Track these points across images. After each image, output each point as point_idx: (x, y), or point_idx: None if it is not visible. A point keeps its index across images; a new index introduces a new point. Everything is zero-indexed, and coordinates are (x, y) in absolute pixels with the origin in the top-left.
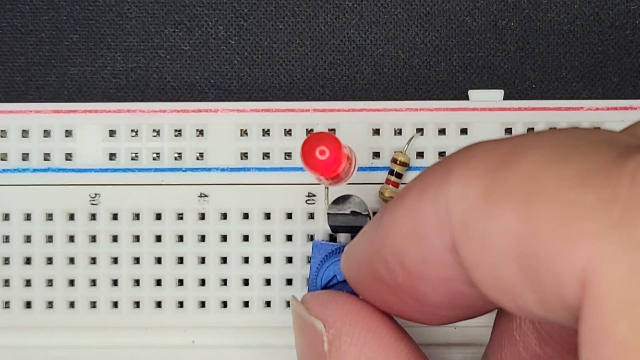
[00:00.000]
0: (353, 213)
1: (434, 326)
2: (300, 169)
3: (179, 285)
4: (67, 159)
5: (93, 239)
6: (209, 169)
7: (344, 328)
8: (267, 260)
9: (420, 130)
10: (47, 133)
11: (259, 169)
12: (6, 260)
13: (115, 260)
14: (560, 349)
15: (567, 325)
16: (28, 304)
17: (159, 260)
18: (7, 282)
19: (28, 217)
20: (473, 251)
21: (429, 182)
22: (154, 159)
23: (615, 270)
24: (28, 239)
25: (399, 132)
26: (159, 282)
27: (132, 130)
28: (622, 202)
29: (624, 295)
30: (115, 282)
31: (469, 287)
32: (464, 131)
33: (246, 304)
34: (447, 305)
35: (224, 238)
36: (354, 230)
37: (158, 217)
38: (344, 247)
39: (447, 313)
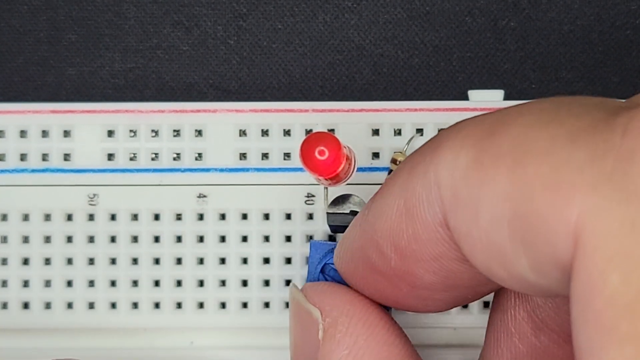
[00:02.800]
0: (352, 213)
1: (430, 313)
2: (300, 169)
3: (177, 286)
4: (65, 159)
5: (91, 239)
6: (208, 170)
7: (340, 318)
8: (266, 260)
9: (420, 131)
10: (45, 133)
11: (258, 170)
12: (4, 261)
13: (113, 261)
14: (556, 337)
15: (560, 291)
16: (26, 305)
17: (157, 261)
18: (4, 283)
19: (26, 217)
20: (464, 220)
21: (418, 160)
22: (152, 159)
23: (608, 223)
24: (26, 239)
25: (398, 132)
26: (157, 283)
27: (131, 131)
28: (614, 155)
29: (616, 248)
30: (113, 283)
31: (462, 264)
32: None
33: (245, 304)
34: (441, 287)
35: (223, 239)
36: None
37: (156, 217)
38: None
39: (441, 296)
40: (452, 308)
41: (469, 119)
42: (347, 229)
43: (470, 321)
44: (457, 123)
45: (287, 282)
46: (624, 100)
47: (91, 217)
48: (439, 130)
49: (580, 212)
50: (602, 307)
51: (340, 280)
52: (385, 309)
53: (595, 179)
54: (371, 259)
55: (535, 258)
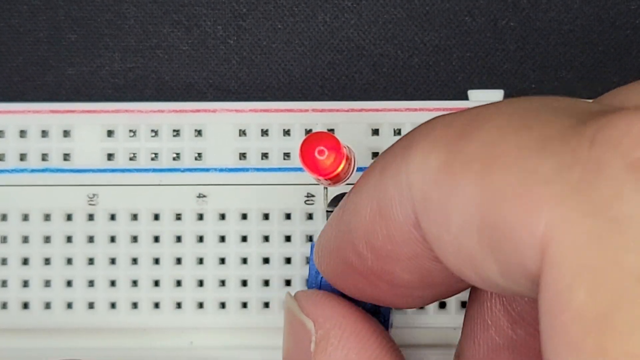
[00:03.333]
0: None
1: (411, 308)
2: (299, 169)
3: (177, 286)
4: (65, 159)
5: (91, 239)
6: (208, 169)
7: (333, 331)
8: (266, 260)
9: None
10: (44, 133)
11: (258, 169)
12: (4, 261)
13: (113, 261)
14: (533, 330)
15: (532, 296)
16: (26, 305)
17: (157, 261)
18: (4, 283)
19: (26, 217)
20: (434, 224)
21: (389, 159)
22: (152, 159)
23: (574, 236)
24: (26, 239)
25: (398, 132)
26: (157, 283)
27: (130, 131)
28: (581, 167)
29: (583, 262)
30: (113, 283)
31: (437, 263)
32: None
33: (244, 304)
34: (418, 285)
35: (223, 238)
36: None
37: (156, 217)
38: None
39: (420, 293)
40: (431, 303)
41: (441, 116)
42: (324, 227)
43: None
44: (429, 120)
45: (287, 282)
46: (592, 102)
47: (91, 217)
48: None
49: (547, 224)
50: (569, 322)
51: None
52: (386, 311)
53: (562, 191)
54: (348, 258)
55: (504, 265)
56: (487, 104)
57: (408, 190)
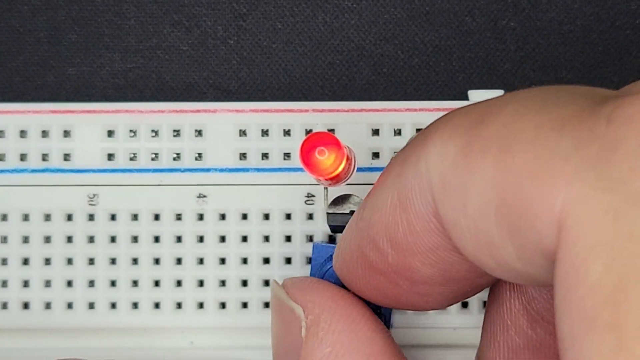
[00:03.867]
0: (352, 213)
1: (432, 310)
2: (300, 169)
3: (177, 286)
4: (65, 160)
5: (91, 239)
6: (208, 170)
7: (323, 315)
8: (266, 261)
9: (420, 131)
10: (45, 133)
11: (258, 170)
12: (4, 261)
13: (113, 261)
14: (552, 329)
15: (548, 278)
16: (26, 305)
17: (157, 261)
18: (4, 283)
19: (26, 217)
20: (452, 209)
21: (409, 152)
22: (152, 159)
23: (591, 211)
24: (26, 239)
25: (398, 132)
26: (157, 283)
27: (131, 131)
28: (599, 143)
29: (600, 235)
30: (113, 283)
31: (457, 255)
32: None
33: (245, 304)
34: (439, 280)
35: (223, 239)
36: None
37: (156, 217)
38: None
39: (440, 290)
40: (452, 304)
41: (458, 109)
42: (344, 230)
43: (470, 321)
44: (446, 114)
45: None
46: (613, 90)
47: (91, 217)
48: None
49: (565, 199)
50: (584, 296)
51: (342, 286)
52: (387, 311)
53: (580, 167)
54: (369, 257)
55: (521, 246)
56: (504, 94)
57: (428, 178)
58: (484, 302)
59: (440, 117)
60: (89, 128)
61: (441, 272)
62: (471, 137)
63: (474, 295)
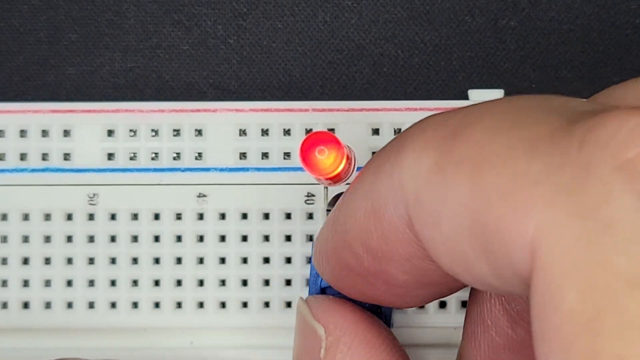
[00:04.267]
0: None
1: (410, 308)
2: (300, 168)
3: (177, 285)
4: (65, 159)
5: (91, 239)
6: (208, 169)
7: (343, 338)
8: (266, 260)
9: (398, 132)
10: (45, 133)
11: (258, 169)
12: (4, 261)
13: (113, 261)
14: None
15: (526, 295)
16: (26, 305)
17: (157, 261)
18: (5, 283)
19: (26, 217)
20: (427, 224)
21: (383, 160)
22: (152, 158)
23: (563, 238)
24: (26, 239)
25: (398, 132)
26: (157, 283)
27: (131, 130)
28: (570, 168)
29: (572, 264)
30: (113, 283)
31: (432, 263)
32: None
33: (245, 304)
34: (415, 285)
35: (223, 238)
36: None
37: (156, 217)
38: None
39: (418, 293)
40: (430, 302)
41: (433, 116)
42: (321, 229)
43: None
44: (421, 120)
45: (288, 282)
46: (587, 100)
47: (91, 217)
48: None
49: (537, 226)
50: (560, 325)
51: None
52: (387, 311)
53: (551, 193)
54: (345, 259)
55: (495, 267)
56: (479, 103)
57: (401, 192)
58: None
59: (414, 125)
60: (89, 128)
61: (417, 277)
62: (443, 153)
63: (452, 294)
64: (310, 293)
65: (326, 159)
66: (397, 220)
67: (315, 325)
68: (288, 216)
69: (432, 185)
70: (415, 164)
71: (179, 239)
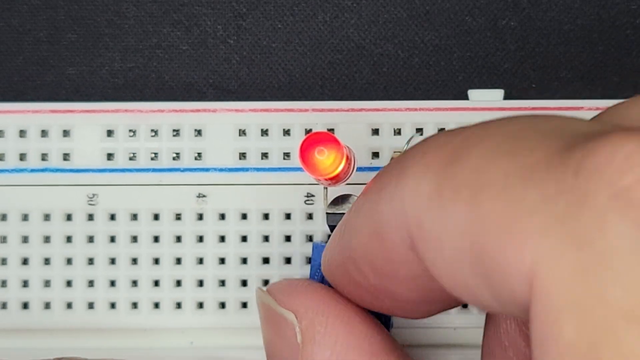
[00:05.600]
0: None
1: (419, 319)
2: (299, 169)
3: (177, 286)
4: (64, 159)
5: (91, 239)
6: (207, 169)
7: (317, 318)
8: (266, 260)
9: (419, 130)
10: (44, 133)
11: (258, 169)
12: (3, 261)
13: (113, 261)
14: None
15: (526, 318)
16: (25, 305)
17: (157, 261)
18: (4, 283)
19: (25, 217)
20: (428, 249)
21: (385, 182)
22: (152, 159)
23: (560, 269)
24: (25, 239)
25: (398, 132)
26: (157, 283)
27: (130, 130)
28: (566, 197)
29: (569, 297)
30: (113, 283)
31: (437, 283)
32: None
33: (244, 304)
34: (420, 301)
35: (222, 238)
36: None
37: (156, 217)
38: None
39: (423, 308)
40: (438, 314)
41: (433, 137)
42: (329, 240)
43: (470, 321)
44: (422, 142)
45: None
46: (590, 120)
47: (91, 217)
48: (439, 130)
49: (533, 256)
50: (558, 357)
51: None
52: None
53: (547, 222)
54: (351, 274)
55: (496, 294)
56: (477, 125)
57: (403, 216)
58: None
59: (415, 146)
60: (88, 128)
61: (422, 295)
62: (444, 178)
63: (458, 306)
64: None
65: (326, 159)
66: (400, 242)
67: (284, 312)
68: (288, 216)
69: (433, 211)
70: (416, 188)
71: (178, 239)
